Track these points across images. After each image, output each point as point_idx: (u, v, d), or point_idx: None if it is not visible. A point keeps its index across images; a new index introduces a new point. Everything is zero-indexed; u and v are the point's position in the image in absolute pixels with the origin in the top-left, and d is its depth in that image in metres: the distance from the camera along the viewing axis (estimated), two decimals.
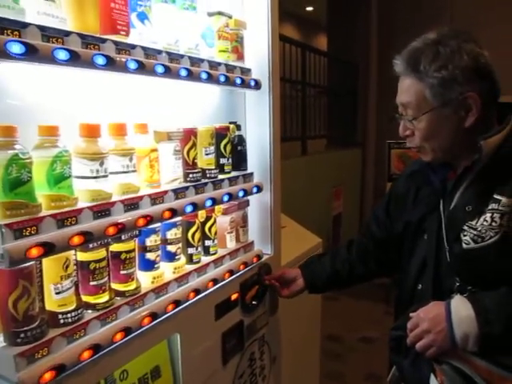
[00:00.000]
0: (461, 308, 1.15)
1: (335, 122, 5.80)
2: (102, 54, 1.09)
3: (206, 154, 1.54)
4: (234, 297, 1.69)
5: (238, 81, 1.62)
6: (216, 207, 1.63)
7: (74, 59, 1.02)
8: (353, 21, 5.87)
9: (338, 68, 5.82)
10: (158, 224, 1.36)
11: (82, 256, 1.17)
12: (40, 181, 1.04)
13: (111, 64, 1.11)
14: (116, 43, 1.16)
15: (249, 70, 1.73)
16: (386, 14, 5.61)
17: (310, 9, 10.00)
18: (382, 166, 4.97)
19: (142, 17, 1.26)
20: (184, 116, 1.61)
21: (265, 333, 1.93)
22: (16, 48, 0.91)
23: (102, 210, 1.14)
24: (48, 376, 1.02)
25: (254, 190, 1.74)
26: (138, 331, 1.26)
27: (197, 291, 1.48)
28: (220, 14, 1.58)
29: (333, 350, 3.73)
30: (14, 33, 0.93)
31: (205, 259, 1.60)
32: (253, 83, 1.71)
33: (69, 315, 1.11)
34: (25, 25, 0.95)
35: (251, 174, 1.77)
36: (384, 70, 5.57)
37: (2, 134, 0.97)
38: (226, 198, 1.57)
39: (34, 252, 0.96)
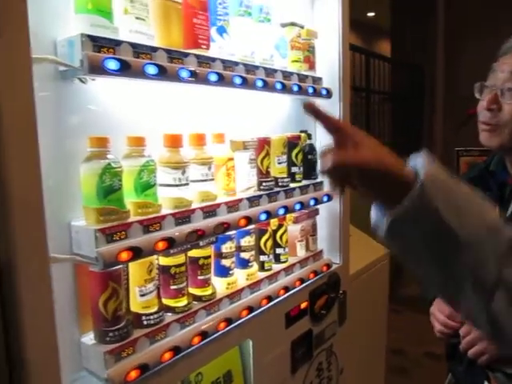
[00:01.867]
0: None
1: (400, 128, 5.65)
2: (186, 68, 1.14)
3: (279, 163, 1.56)
4: (303, 305, 1.69)
5: (310, 90, 1.63)
6: (287, 216, 1.64)
7: (162, 73, 1.08)
8: (418, 25, 5.70)
9: (402, 74, 5.68)
10: (234, 231, 1.39)
11: (164, 261, 1.22)
12: (128, 188, 1.10)
13: (194, 77, 1.16)
14: (198, 57, 1.21)
15: (320, 79, 1.73)
16: (453, 16, 5.41)
17: (371, 14, 9.85)
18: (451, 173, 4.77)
19: (221, 31, 1.30)
20: (256, 125, 1.64)
21: (333, 343, 1.91)
22: (112, 64, 0.97)
23: (183, 216, 1.19)
24: (133, 374, 1.07)
25: (325, 198, 1.74)
26: (214, 336, 1.29)
27: (269, 298, 1.49)
28: (293, 24, 1.60)
29: (398, 365, 3.61)
30: (109, 50, 1.00)
31: (276, 267, 1.61)
32: (324, 92, 1.71)
33: (151, 317, 1.17)
34: (118, 42, 1.02)
35: (321, 182, 1.77)
36: (451, 74, 5.37)
37: (97, 145, 1.04)
38: (297, 207, 1.58)
39: (124, 256, 1.02)
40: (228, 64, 1.30)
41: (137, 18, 1.07)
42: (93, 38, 0.97)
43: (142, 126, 1.24)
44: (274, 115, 1.77)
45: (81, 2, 0.99)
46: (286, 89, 1.49)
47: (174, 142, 1.19)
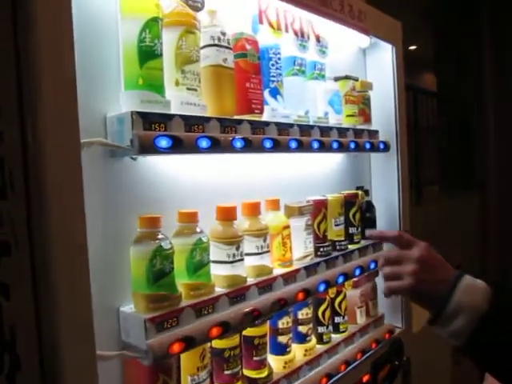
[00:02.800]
0: (479, 281, 0.87)
1: (449, 165, 5.41)
2: (240, 138, 1.06)
3: (336, 225, 1.45)
4: (365, 378, 1.54)
5: (367, 146, 1.52)
6: None
7: (215, 145, 1.00)
8: (464, 57, 5.53)
9: (449, 107, 5.48)
10: None
11: (217, 343, 1.12)
12: (179, 268, 1.01)
13: (249, 146, 1.08)
14: (251, 123, 1.13)
15: (376, 132, 1.63)
16: (501, 44, 5.21)
17: (412, 47, 9.73)
18: (508, 212, 4.48)
19: (275, 92, 1.23)
20: (307, 183, 1.54)
21: None
22: (164, 142, 0.91)
23: (237, 295, 1.09)
24: None
25: None
26: None
27: (329, 376, 1.36)
28: (347, 77, 1.52)
29: None
30: (160, 125, 0.94)
31: (335, 338, 1.48)
32: (382, 146, 1.60)
33: None
34: (170, 117, 0.96)
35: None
36: (503, 105, 5.13)
37: (147, 225, 0.97)
38: (357, 272, 1.45)
39: (176, 348, 0.93)
40: (282, 127, 1.22)
41: (188, 89, 1.01)
42: (143, 115, 0.91)
43: (193, 196, 1.16)
44: (327, 171, 1.67)
45: (131, 79, 0.94)
46: (342, 147, 1.39)
47: (228, 214, 1.11)
